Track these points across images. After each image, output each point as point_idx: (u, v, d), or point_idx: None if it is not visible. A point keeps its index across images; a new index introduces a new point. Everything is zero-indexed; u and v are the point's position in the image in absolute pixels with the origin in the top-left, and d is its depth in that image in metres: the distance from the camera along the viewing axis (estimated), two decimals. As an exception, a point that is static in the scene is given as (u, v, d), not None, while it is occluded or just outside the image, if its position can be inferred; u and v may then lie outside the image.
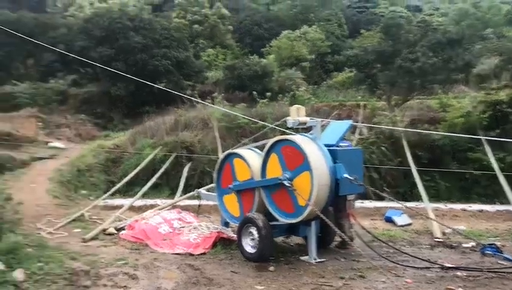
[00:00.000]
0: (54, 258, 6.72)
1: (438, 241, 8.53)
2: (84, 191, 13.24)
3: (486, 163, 12.54)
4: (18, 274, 5.76)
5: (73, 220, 9.84)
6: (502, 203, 11.54)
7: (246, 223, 7.48)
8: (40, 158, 15.66)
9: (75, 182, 13.55)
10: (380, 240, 7.79)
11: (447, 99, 17.00)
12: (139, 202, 11.92)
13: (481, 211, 11.20)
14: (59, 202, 11.44)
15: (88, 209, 10.67)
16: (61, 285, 5.85)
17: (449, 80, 19.97)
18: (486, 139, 12.54)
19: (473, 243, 7.79)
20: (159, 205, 11.24)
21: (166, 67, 24.59)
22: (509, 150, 12.89)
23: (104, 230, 9.05)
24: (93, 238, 8.60)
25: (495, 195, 12.19)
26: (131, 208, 11.28)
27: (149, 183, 13.47)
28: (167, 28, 27.53)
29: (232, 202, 8.28)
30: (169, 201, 11.71)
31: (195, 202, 10.29)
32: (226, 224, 8.60)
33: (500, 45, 26.21)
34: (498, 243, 7.69)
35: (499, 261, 6.95)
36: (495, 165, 12.19)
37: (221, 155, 9.06)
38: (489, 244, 7.41)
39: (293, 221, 7.18)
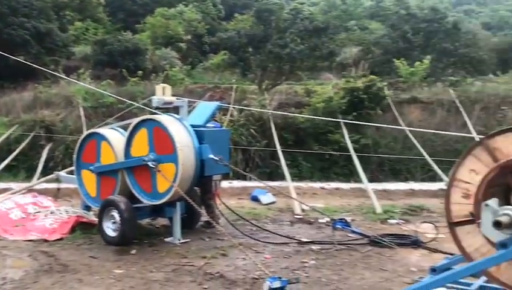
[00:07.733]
0: None
1: (297, 217, 9.06)
2: None
3: (344, 145, 13.63)
4: None
5: None
6: (355, 181, 12.62)
7: (107, 206, 7.16)
8: None
9: None
10: (243, 218, 8.02)
11: (312, 85, 18.03)
12: (-10, 186, 10.75)
13: (337, 189, 12.10)
14: None
15: None
16: None
17: (315, 67, 21.20)
18: (343, 122, 13.58)
19: (327, 219, 8.40)
20: (13, 189, 10.23)
21: (23, 38, 22.25)
22: (363, 133, 14.25)
23: None
24: None
25: (350, 174, 13.27)
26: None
27: (2, 165, 12.26)
28: (27, -5, 24.89)
29: (93, 184, 7.84)
30: (25, 185, 10.72)
31: (55, 186, 9.56)
32: (88, 208, 8.15)
33: (360, 36, 28.41)
34: (348, 218, 8.42)
35: (348, 235, 7.62)
36: (350, 146, 13.30)
37: (82, 135, 8.51)
38: (340, 219, 8.06)
39: (157, 202, 7.06)
